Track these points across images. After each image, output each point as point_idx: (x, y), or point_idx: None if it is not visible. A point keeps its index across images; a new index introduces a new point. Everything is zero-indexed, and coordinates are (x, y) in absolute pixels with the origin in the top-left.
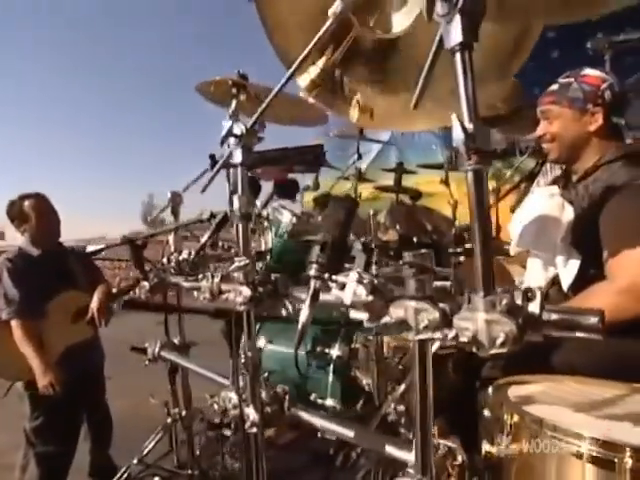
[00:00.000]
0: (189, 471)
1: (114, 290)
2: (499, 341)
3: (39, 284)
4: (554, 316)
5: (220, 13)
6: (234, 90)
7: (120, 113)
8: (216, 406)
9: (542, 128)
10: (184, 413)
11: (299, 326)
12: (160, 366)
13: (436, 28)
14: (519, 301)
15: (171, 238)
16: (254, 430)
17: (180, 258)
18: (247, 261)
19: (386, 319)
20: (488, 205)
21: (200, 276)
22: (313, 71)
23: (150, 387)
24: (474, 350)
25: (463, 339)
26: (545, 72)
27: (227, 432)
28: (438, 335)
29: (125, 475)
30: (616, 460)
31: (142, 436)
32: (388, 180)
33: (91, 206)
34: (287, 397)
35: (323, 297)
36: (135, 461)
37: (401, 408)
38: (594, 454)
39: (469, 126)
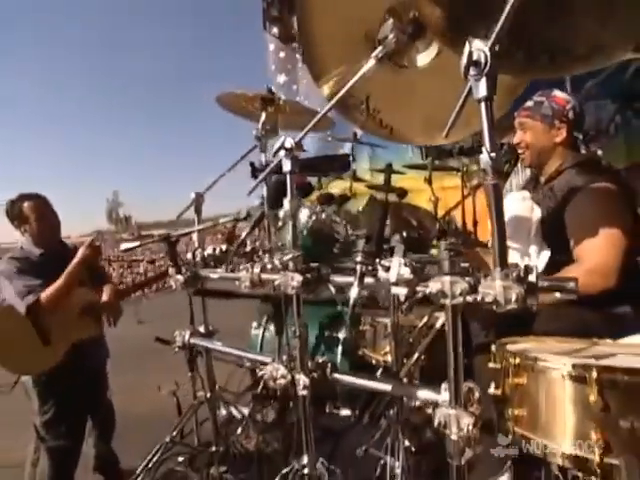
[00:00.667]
0: (213, 448)
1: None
2: (512, 300)
3: (43, 283)
4: (546, 283)
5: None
6: (263, 104)
7: (83, 110)
8: (266, 376)
9: (518, 137)
10: (209, 395)
11: (350, 301)
12: (149, 362)
13: (453, 66)
14: (522, 274)
15: (195, 235)
16: (305, 392)
17: (205, 253)
18: (298, 253)
19: (428, 290)
20: (502, 205)
21: (241, 267)
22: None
23: (140, 382)
24: (494, 308)
25: (488, 299)
26: None
27: (245, 410)
28: (469, 299)
29: (157, 455)
30: (586, 375)
31: (138, 430)
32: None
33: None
34: (329, 365)
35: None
36: (168, 439)
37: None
38: (572, 374)
39: (492, 154)
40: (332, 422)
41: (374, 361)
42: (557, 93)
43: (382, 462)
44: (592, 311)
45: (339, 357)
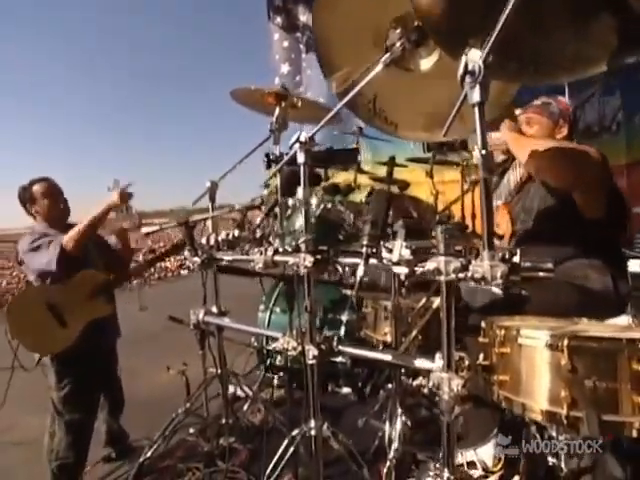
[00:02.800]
0: (223, 420)
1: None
2: (498, 276)
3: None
4: (527, 264)
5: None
6: (277, 99)
7: (83, 100)
8: (278, 348)
9: (524, 131)
10: (220, 371)
11: (357, 278)
12: (150, 346)
13: (451, 70)
14: (508, 255)
15: (209, 221)
16: (314, 361)
17: (219, 238)
18: (310, 237)
19: (426, 268)
20: (491, 196)
21: (255, 250)
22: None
23: (140, 365)
24: (482, 284)
25: (477, 276)
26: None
27: (252, 388)
28: (461, 275)
29: (171, 426)
30: (559, 343)
31: (140, 410)
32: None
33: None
34: (336, 338)
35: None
36: (182, 410)
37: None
38: (549, 342)
39: (483, 152)
40: (333, 400)
41: (375, 341)
42: (561, 98)
43: (380, 434)
44: (571, 288)
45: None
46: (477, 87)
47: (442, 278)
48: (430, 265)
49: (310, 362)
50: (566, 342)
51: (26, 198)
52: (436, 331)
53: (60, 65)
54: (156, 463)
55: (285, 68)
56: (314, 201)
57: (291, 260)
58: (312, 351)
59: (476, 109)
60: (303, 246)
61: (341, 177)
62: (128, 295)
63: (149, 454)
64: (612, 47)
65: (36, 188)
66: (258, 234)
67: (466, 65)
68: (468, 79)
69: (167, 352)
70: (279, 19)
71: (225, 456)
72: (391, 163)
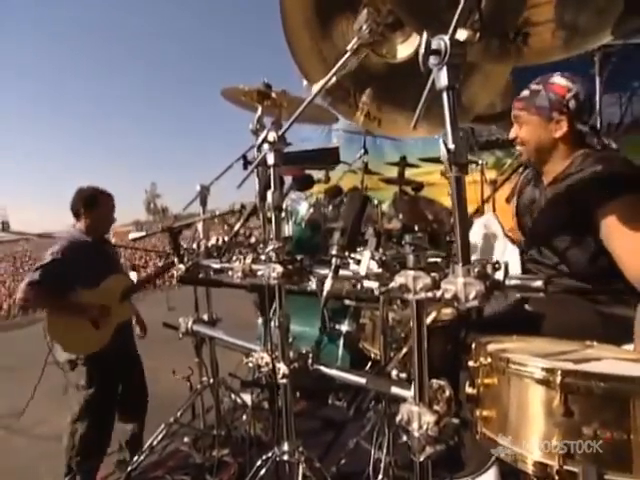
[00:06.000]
0: (215, 432)
1: None
2: (471, 297)
3: (93, 267)
4: (513, 281)
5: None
6: (259, 98)
7: (124, 103)
8: (250, 364)
9: (514, 132)
10: (212, 381)
11: (324, 293)
12: (177, 347)
13: None
14: (489, 270)
15: (200, 226)
16: (285, 381)
17: (209, 244)
18: (280, 244)
19: (392, 285)
20: (466, 199)
21: (234, 258)
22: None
23: (166, 366)
24: (455, 305)
25: (447, 296)
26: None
27: (247, 400)
28: (430, 295)
29: (162, 434)
30: (551, 379)
31: (162, 411)
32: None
33: None
34: (311, 356)
35: (341, 272)
36: (172, 420)
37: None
38: (540, 377)
39: (451, 146)
40: (334, 413)
41: (372, 355)
42: (556, 79)
43: (374, 454)
44: (592, 311)
45: (340, 349)
46: (444, 69)
47: (410, 296)
48: (398, 280)
49: (281, 381)
50: (559, 378)
51: (87, 202)
52: (434, 345)
53: (95, 64)
54: (147, 472)
55: None
56: (304, 205)
57: (261, 270)
58: (283, 369)
59: (444, 95)
60: (273, 255)
61: (348, 179)
62: (157, 296)
63: (136, 465)
64: (617, 11)
65: (102, 200)
66: (253, 240)
67: (429, 43)
68: (433, 60)
69: (191, 353)
70: None
71: (213, 470)
72: (402, 163)
